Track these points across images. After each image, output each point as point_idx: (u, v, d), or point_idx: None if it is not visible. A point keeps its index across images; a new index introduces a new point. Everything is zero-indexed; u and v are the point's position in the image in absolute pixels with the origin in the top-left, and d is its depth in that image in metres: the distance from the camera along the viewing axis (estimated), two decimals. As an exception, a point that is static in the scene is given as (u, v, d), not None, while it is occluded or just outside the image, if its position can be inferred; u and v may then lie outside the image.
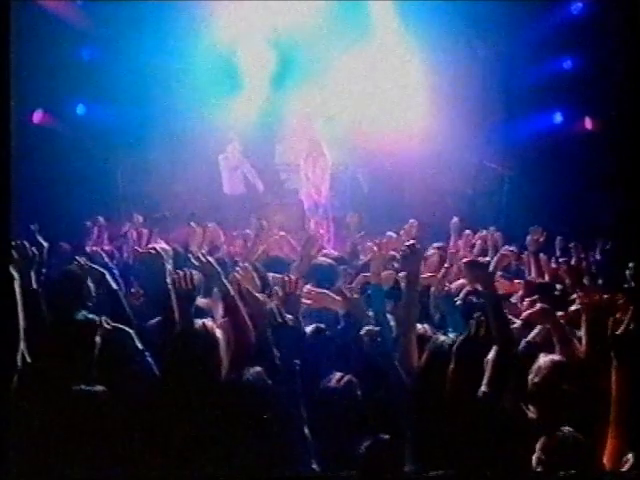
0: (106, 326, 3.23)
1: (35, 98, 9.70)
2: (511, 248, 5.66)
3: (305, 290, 3.75)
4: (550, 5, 10.79)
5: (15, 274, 3.05)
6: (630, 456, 2.46)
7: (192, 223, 6.95)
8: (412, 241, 3.72)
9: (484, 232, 6.77)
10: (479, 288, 4.22)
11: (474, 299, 4.44)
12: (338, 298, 3.76)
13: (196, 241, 6.41)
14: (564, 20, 10.64)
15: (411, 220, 6.90)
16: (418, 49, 10.95)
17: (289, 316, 3.18)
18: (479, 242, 6.32)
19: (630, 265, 4.76)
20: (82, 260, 4.31)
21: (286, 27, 11.08)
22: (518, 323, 3.57)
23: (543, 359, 3.00)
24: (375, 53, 11.28)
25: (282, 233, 6.80)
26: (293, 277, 3.55)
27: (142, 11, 10.25)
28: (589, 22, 10.30)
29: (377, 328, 3.21)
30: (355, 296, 3.69)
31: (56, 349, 3.11)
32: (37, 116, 10.32)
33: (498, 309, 3.08)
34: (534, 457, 2.52)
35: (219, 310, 3.71)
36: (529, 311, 3.68)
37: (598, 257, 7.26)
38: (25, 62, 7.62)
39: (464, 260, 3.94)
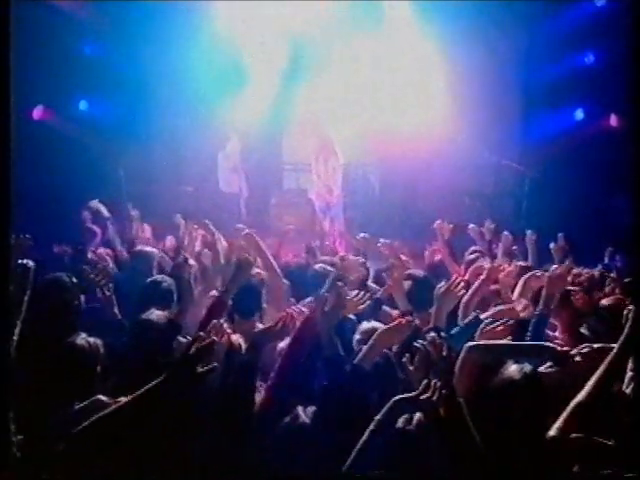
0: None
1: (36, 94, 9.43)
2: None
3: None
4: (571, -2, 10.50)
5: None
6: None
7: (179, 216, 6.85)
8: None
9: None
10: None
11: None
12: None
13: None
14: (585, 13, 10.33)
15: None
16: (434, 46, 10.64)
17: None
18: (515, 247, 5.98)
19: None
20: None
21: (297, 22, 10.78)
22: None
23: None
24: (389, 50, 10.99)
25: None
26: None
27: (145, 6, 9.99)
28: (611, 15, 9.89)
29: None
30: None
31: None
32: (38, 112, 10.08)
33: None
34: None
35: None
36: None
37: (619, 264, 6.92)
38: (26, 57, 7.23)
39: None
